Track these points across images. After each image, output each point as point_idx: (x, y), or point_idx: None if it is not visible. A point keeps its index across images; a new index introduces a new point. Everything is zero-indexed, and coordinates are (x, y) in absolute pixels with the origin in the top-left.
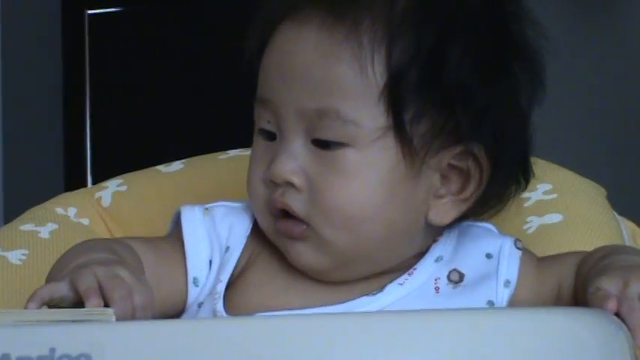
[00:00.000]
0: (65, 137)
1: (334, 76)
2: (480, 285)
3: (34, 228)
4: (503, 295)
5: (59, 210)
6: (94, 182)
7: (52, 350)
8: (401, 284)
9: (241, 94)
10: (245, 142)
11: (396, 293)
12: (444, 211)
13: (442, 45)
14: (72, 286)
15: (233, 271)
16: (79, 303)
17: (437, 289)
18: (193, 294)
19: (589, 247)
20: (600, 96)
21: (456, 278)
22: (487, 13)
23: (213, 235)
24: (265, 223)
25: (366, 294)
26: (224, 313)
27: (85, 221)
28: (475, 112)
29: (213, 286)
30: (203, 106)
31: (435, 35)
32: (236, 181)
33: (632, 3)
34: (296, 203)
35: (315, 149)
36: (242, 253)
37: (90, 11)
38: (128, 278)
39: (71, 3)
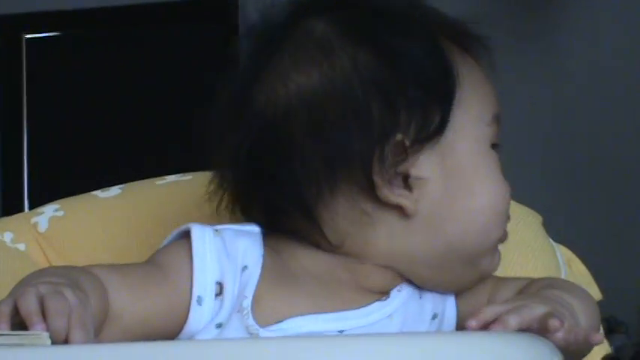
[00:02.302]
0: (2, 162)
1: None
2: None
3: None
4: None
5: None
6: (32, 207)
7: None
8: (399, 291)
9: (179, 120)
10: (181, 168)
11: (399, 299)
12: None
13: None
14: (15, 306)
15: (256, 288)
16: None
17: (420, 295)
18: (197, 313)
19: (524, 273)
20: (537, 124)
21: None
22: None
23: (224, 256)
24: (501, 232)
25: (378, 299)
26: (257, 327)
27: (22, 246)
28: None
29: (238, 304)
30: (141, 131)
31: None
32: (175, 207)
33: (569, 31)
34: None
35: None
36: (261, 272)
37: (27, 35)
38: (70, 297)
39: (8, 27)
